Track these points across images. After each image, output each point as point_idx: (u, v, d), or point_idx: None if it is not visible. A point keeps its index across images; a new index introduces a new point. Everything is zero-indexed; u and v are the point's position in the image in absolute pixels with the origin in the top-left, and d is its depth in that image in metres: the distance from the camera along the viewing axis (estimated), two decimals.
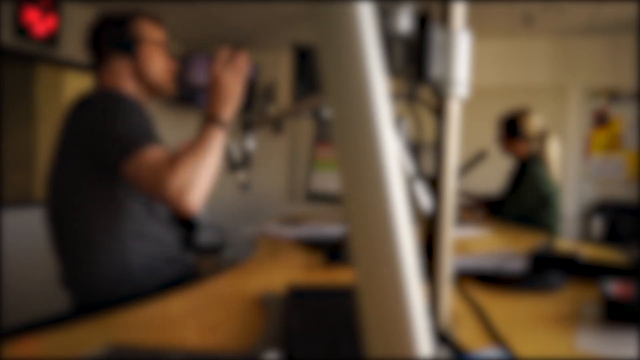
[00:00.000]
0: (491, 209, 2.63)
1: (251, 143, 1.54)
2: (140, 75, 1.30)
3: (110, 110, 1.14)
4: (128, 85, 1.29)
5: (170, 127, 4.48)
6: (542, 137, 2.47)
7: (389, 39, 0.51)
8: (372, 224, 0.25)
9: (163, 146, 1.13)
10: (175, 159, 1.06)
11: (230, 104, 1.16)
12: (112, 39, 1.28)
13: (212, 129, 1.12)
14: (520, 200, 2.43)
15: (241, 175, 1.50)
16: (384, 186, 0.25)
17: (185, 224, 1.39)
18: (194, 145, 1.09)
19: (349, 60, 0.25)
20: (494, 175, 3.24)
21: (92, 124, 1.13)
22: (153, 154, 1.07)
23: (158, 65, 1.32)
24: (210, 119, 1.13)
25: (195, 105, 4.31)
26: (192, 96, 4.24)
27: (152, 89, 1.32)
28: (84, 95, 1.21)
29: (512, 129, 2.48)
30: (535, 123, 2.47)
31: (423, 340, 0.25)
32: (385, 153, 0.25)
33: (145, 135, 1.11)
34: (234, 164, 1.47)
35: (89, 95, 1.21)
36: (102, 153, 1.11)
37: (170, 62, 1.35)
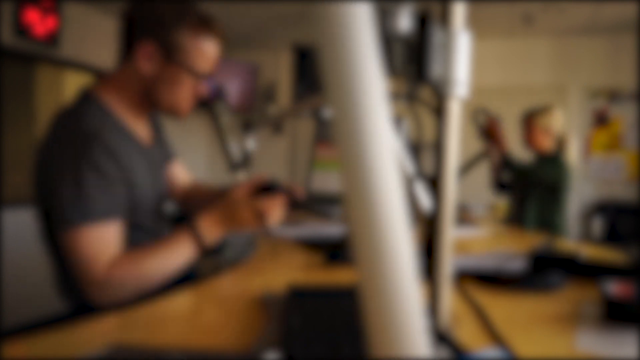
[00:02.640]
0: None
1: (251, 143, 1.54)
2: (150, 91, 1.07)
3: (71, 150, 0.94)
4: (124, 102, 1.07)
5: (170, 132, 4.48)
6: (562, 140, 2.52)
7: (389, 39, 0.51)
8: (371, 223, 0.25)
9: (110, 222, 0.96)
10: (118, 265, 0.93)
11: (225, 228, 1.04)
12: (133, 39, 1.03)
13: (185, 239, 0.99)
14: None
15: (241, 175, 1.50)
16: (382, 186, 0.25)
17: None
18: (150, 251, 0.97)
19: (348, 61, 0.25)
20: None
21: (50, 163, 0.97)
22: (88, 244, 0.92)
23: (182, 93, 1.07)
24: (192, 226, 1.00)
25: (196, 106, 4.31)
26: None
27: (157, 108, 1.11)
28: (65, 106, 1.04)
29: (536, 123, 2.52)
30: (559, 119, 2.52)
31: (423, 340, 0.25)
32: (383, 153, 0.25)
33: (92, 207, 0.93)
34: (234, 164, 1.47)
35: (66, 111, 1.02)
36: (49, 205, 0.97)
37: (199, 88, 1.10)
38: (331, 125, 0.26)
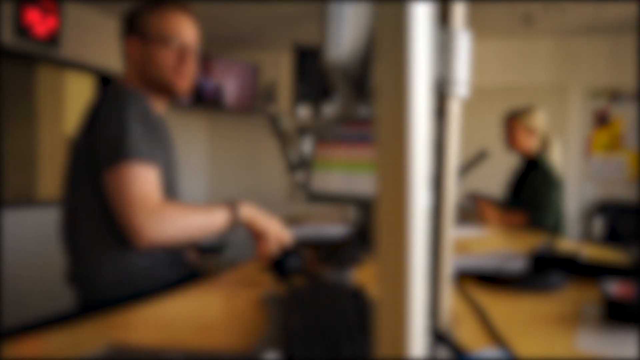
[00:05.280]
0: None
1: (307, 146, 1.62)
2: (143, 73, 1.23)
3: (112, 107, 1.10)
4: (134, 81, 1.23)
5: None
6: (546, 140, 2.50)
7: None
8: (401, 224, 0.25)
9: (155, 168, 1.08)
10: (169, 204, 1.04)
11: (257, 215, 1.18)
12: (128, 27, 1.24)
13: (223, 207, 1.12)
14: (544, 201, 2.42)
15: (299, 176, 1.61)
16: (416, 188, 0.25)
17: None
18: (192, 206, 1.09)
19: (401, 60, 0.25)
20: (496, 175, 3.24)
21: (93, 120, 1.12)
22: (140, 178, 1.02)
23: (162, 64, 1.21)
24: (230, 201, 1.16)
25: (197, 106, 4.31)
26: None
27: (157, 89, 1.24)
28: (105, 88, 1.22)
29: (518, 123, 2.51)
30: (541, 119, 2.50)
31: (423, 340, 0.25)
32: (422, 154, 0.25)
33: (140, 148, 1.05)
34: (292, 165, 1.59)
35: (107, 88, 1.20)
36: (96, 153, 1.08)
37: (188, 65, 1.24)
38: (375, 123, 0.26)
